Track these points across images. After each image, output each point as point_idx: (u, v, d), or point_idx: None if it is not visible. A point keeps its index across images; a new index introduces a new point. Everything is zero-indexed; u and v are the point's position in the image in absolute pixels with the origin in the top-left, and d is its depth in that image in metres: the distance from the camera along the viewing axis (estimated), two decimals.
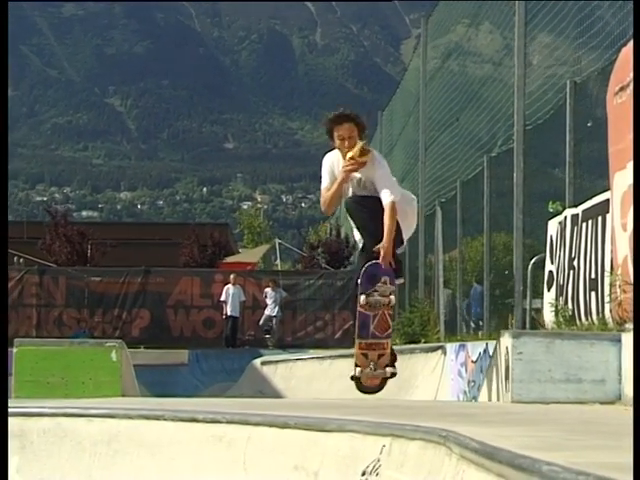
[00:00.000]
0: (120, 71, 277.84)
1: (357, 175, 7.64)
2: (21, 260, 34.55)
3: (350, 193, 7.72)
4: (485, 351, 11.33)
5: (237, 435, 5.23)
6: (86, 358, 8.15)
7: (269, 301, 27.30)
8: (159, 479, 5.45)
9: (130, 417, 5.70)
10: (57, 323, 28.45)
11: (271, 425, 5.08)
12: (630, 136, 7.54)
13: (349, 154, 7.53)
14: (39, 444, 5.84)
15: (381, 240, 7.41)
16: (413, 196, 8.17)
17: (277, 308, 27.23)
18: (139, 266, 29.49)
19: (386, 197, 7.47)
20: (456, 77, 20.57)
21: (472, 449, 3.08)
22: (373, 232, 7.50)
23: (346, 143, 7.57)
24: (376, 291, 7.47)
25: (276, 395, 18.04)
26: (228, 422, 5.32)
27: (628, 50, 8.29)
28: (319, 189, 7.81)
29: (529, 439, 3.41)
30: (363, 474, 4.44)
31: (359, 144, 7.59)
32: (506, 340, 7.12)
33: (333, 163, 7.72)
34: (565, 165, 12.07)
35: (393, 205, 7.45)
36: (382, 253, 7.37)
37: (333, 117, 7.68)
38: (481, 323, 18.41)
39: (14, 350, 8.45)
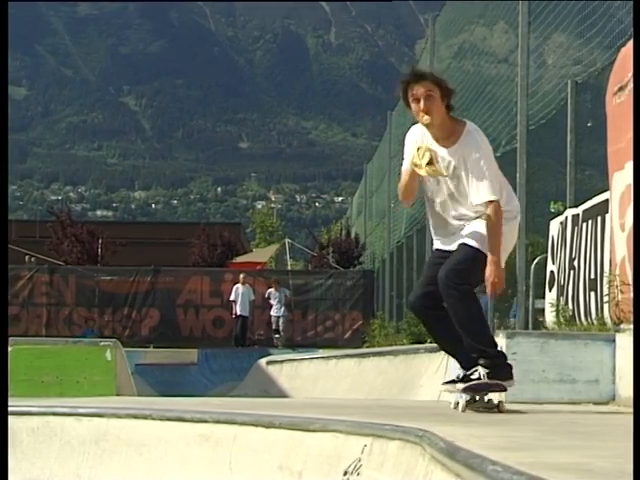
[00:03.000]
0: (135, 70, 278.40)
1: (446, 156, 5.75)
2: (32, 259, 34.65)
3: (429, 186, 5.87)
4: None
5: (223, 434, 5.24)
6: (80, 357, 8.15)
7: (274, 302, 27.35)
8: (147, 478, 5.47)
9: (118, 416, 5.72)
10: (67, 322, 28.58)
11: (257, 425, 5.09)
12: (629, 136, 7.52)
13: (413, 159, 5.73)
14: (28, 443, 5.88)
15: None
16: (517, 210, 5.98)
17: (282, 308, 27.26)
18: (149, 265, 29.58)
19: (482, 199, 5.63)
20: (463, 76, 20.53)
21: (439, 449, 3.08)
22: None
23: (422, 104, 5.69)
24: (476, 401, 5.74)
25: (281, 394, 18.00)
26: (215, 422, 5.34)
27: (627, 50, 8.25)
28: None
29: (500, 439, 3.41)
30: (345, 474, 4.45)
31: (427, 151, 5.68)
32: (500, 340, 7.10)
33: (416, 141, 5.86)
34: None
35: (495, 209, 5.61)
36: (490, 278, 5.61)
37: (408, 75, 5.82)
38: None
39: (9, 349, 8.46)
